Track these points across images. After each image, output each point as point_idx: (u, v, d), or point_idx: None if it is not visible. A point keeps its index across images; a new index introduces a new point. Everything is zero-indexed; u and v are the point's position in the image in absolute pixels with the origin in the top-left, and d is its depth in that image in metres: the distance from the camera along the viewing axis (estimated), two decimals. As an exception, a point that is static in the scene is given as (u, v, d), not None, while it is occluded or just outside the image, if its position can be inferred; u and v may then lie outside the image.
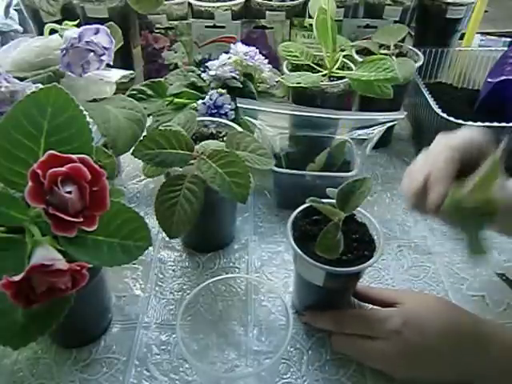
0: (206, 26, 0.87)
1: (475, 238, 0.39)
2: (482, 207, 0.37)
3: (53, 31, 0.54)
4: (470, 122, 0.65)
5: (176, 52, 0.90)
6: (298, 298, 0.53)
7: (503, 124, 0.66)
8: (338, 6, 0.82)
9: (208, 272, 0.58)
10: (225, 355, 0.47)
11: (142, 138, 0.49)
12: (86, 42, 0.49)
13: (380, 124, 0.63)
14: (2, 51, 0.55)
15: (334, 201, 0.45)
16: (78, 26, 0.52)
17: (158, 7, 0.72)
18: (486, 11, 0.98)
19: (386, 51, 0.78)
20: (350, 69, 0.73)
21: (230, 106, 0.64)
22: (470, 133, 0.44)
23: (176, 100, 0.67)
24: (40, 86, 0.43)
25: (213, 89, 0.66)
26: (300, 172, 0.63)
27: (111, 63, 0.52)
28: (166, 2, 0.84)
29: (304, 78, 0.69)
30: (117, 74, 0.56)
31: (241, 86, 0.67)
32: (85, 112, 0.37)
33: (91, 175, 0.33)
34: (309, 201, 0.47)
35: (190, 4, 0.88)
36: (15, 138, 0.35)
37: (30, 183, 0.32)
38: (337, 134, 0.67)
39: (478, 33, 1.04)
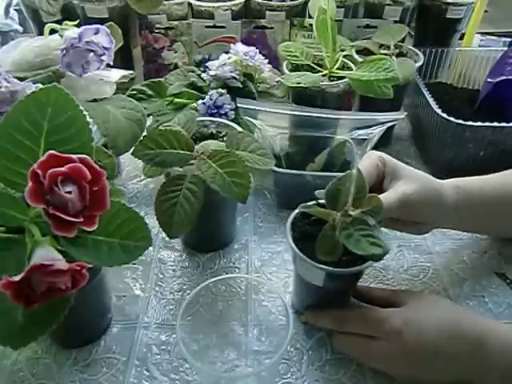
0: (206, 26, 0.87)
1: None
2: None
3: (53, 31, 0.54)
4: (470, 122, 0.65)
5: (176, 52, 0.90)
6: (297, 299, 0.53)
7: (503, 124, 0.66)
8: (338, 6, 0.81)
9: (208, 272, 0.58)
10: (225, 355, 0.47)
11: (141, 137, 0.49)
12: (86, 42, 0.49)
13: (380, 124, 0.63)
14: (1, 51, 0.55)
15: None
16: (78, 26, 0.52)
17: (158, 7, 0.72)
18: (485, 11, 0.97)
19: (386, 51, 0.78)
20: (350, 69, 0.73)
21: (229, 106, 0.64)
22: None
23: (176, 100, 0.67)
24: (40, 85, 0.43)
25: (213, 89, 0.66)
26: (300, 172, 0.63)
27: (111, 63, 0.52)
28: (165, 2, 0.84)
29: (304, 78, 0.69)
30: (117, 74, 0.56)
31: (241, 86, 0.67)
32: (85, 112, 0.37)
33: (91, 175, 0.33)
34: (300, 207, 0.47)
35: (189, 4, 0.88)
36: (15, 138, 0.35)
37: (30, 183, 0.32)
38: (337, 134, 0.67)
39: (478, 33, 1.04)
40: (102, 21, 0.57)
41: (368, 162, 0.51)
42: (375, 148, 0.65)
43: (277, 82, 0.74)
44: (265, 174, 0.65)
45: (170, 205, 0.49)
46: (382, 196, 0.46)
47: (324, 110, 0.63)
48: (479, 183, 0.54)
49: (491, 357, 0.43)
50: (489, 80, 0.76)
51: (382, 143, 0.74)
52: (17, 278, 0.30)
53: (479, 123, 0.65)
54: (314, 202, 0.47)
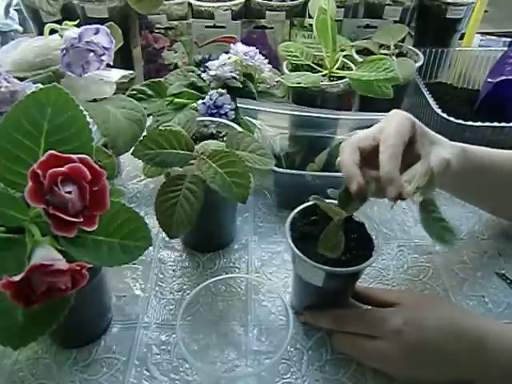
0: (206, 26, 0.87)
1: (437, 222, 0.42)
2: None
3: (53, 31, 0.54)
4: (470, 122, 0.65)
5: (176, 52, 0.90)
6: (296, 299, 0.53)
7: (503, 124, 0.66)
8: (338, 6, 0.82)
9: (208, 272, 0.58)
10: (225, 355, 0.47)
11: (141, 137, 0.49)
12: (86, 42, 0.49)
13: (380, 124, 0.63)
14: (1, 51, 0.55)
15: (333, 201, 0.45)
16: (78, 26, 0.52)
17: (158, 7, 0.72)
18: (486, 11, 0.98)
19: (386, 51, 0.78)
20: (350, 69, 0.73)
21: (229, 106, 0.64)
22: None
23: (176, 100, 0.67)
24: (40, 85, 0.43)
25: (213, 89, 0.66)
26: (300, 172, 0.63)
27: (111, 63, 0.52)
28: (165, 2, 0.84)
29: (304, 78, 0.69)
30: (117, 74, 0.56)
31: (241, 86, 0.67)
32: (85, 112, 0.37)
33: (91, 175, 0.33)
34: (312, 198, 0.46)
35: (189, 4, 0.88)
36: (15, 138, 0.35)
37: (30, 183, 0.32)
38: (337, 134, 0.67)
39: (478, 33, 1.04)
40: (101, 21, 0.57)
41: (400, 123, 0.47)
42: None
43: (277, 81, 0.74)
44: (265, 174, 0.65)
45: (170, 205, 0.49)
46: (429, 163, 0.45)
47: (324, 110, 0.63)
48: (487, 150, 0.54)
49: (491, 355, 0.43)
50: (489, 80, 0.76)
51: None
52: (17, 278, 0.30)
53: (479, 123, 0.65)
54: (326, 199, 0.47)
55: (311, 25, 0.74)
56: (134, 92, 0.68)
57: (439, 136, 0.51)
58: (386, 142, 0.45)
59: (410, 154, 0.46)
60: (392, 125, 0.47)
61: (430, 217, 0.41)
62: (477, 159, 0.52)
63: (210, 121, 0.61)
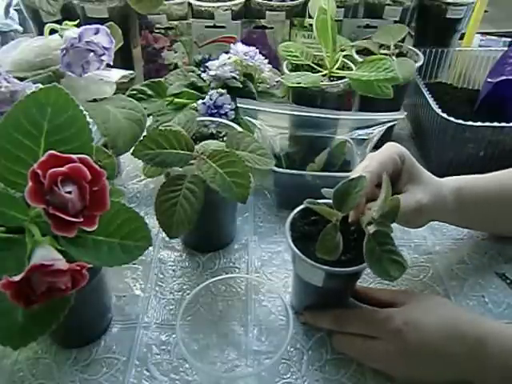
0: (206, 26, 0.87)
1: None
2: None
3: (53, 31, 0.54)
4: (470, 122, 0.65)
5: (176, 52, 0.90)
6: (296, 299, 0.53)
7: (503, 124, 0.66)
8: (338, 6, 0.82)
9: (208, 272, 0.58)
10: (225, 355, 0.47)
11: (141, 137, 0.49)
12: (86, 42, 0.49)
13: (380, 124, 0.63)
14: (1, 51, 0.55)
15: (331, 201, 0.45)
16: (78, 26, 0.52)
17: (158, 7, 0.72)
18: (486, 11, 0.97)
19: (386, 51, 0.78)
20: (350, 69, 0.73)
21: (229, 106, 0.64)
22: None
23: (176, 100, 0.67)
24: (40, 85, 0.43)
25: (213, 89, 0.66)
26: (300, 172, 0.63)
27: (111, 63, 0.52)
28: (165, 2, 0.84)
29: (304, 78, 0.69)
30: (117, 74, 0.56)
31: (241, 86, 0.67)
32: (85, 112, 0.37)
33: (91, 175, 0.33)
34: (306, 202, 0.47)
35: (189, 4, 0.88)
36: (15, 138, 0.35)
37: (30, 183, 0.32)
38: (337, 134, 0.67)
39: (478, 33, 1.04)
40: (101, 21, 0.57)
41: (387, 154, 0.49)
42: (375, 148, 0.65)
43: (277, 81, 0.74)
44: (265, 173, 0.65)
45: (170, 205, 0.49)
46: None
47: (324, 110, 0.63)
48: (479, 184, 0.55)
49: (490, 357, 0.43)
50: (489, 80, 0.76)
51: (382, 143, 0.74)
52: (17, 278, 0.30)
53: (479, 123, 0.65)
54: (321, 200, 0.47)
55: (311, 25, 0.74)
56: (134, 92, 0.68)
57: (429, 176, 0.52)
58: (366, 168, 0.47)
59: (395, 188, 0.49)
60: (379, 154, 0.49)
61: (378, 248, 0.42)
62: (473, 194, 0.54)
63: (210, 121, 0.61)
